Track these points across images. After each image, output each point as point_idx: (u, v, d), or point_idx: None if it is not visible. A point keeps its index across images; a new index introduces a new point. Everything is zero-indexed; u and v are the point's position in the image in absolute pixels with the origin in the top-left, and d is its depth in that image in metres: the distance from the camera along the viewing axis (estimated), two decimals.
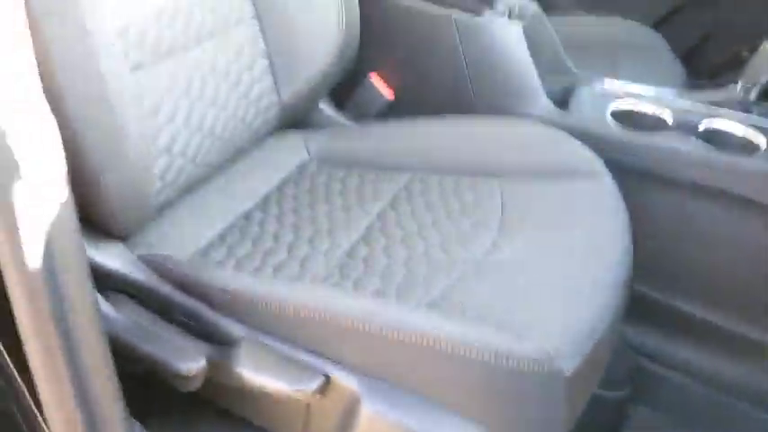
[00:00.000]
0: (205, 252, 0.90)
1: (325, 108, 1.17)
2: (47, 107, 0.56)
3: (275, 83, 1.04)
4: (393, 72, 1.16)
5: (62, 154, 0.56)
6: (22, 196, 0.53)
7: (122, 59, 0.81)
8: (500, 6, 1.13)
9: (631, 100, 1.09)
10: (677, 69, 1.55)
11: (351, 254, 0.89)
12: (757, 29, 1.60)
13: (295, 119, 1.12)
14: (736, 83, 1.08)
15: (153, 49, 0.85)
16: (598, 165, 0.95)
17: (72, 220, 0.57)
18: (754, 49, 1.71)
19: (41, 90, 0.55)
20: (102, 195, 0.80)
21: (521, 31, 1.08)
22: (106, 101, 0.77)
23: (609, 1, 1.83)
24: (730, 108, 1.05)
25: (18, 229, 0.53)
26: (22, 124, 0.53)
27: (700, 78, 1.65)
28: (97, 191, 0.79)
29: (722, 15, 1.76)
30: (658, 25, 1.78)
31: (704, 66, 1.75)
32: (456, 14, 1.09)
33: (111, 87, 0.77)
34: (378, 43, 1.14)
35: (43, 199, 0.55)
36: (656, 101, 1.08)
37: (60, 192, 0.56)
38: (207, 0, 0.93)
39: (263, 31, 1.02)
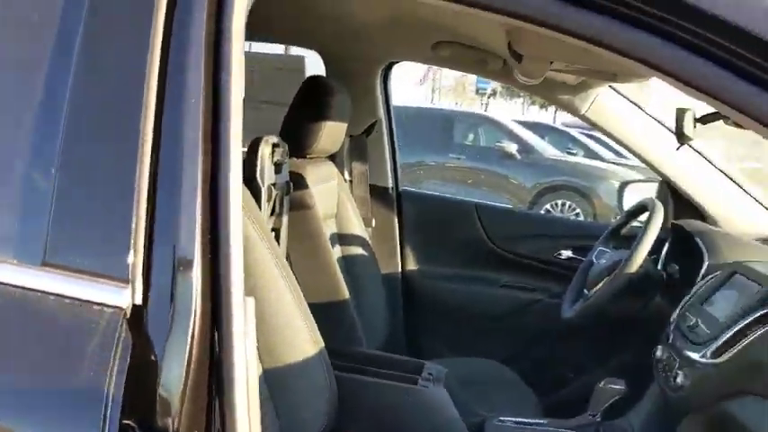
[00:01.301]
0: None
1: None
2: None
3: None
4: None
5: None
6: None
7: None
8: (425, 374, 1.65)
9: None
10: (528, 393, 2.16)
11: None
12: (577, 359, 2.30)
13: None
14: (586, 412, 1.65)
15: None
16: None
17: None
18: (577, 371, 2.40)
19: None
20: None
21: (445, 392, 1.59)
22: None
23: (468, 345, 2.47)
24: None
25: None
26: None
27: (543, 395, 2.26)
28: None
29: (547, 354, 2.46)
30: (506, 361, 2.43)
31: (544, 386, 2.38)
32: (405, 388, 1.57)
33: None
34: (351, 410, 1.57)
35: None
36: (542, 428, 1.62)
37: None
38: None
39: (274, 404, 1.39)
